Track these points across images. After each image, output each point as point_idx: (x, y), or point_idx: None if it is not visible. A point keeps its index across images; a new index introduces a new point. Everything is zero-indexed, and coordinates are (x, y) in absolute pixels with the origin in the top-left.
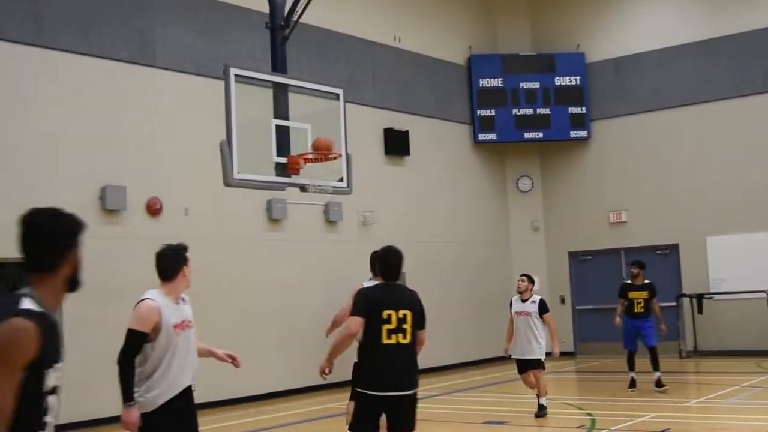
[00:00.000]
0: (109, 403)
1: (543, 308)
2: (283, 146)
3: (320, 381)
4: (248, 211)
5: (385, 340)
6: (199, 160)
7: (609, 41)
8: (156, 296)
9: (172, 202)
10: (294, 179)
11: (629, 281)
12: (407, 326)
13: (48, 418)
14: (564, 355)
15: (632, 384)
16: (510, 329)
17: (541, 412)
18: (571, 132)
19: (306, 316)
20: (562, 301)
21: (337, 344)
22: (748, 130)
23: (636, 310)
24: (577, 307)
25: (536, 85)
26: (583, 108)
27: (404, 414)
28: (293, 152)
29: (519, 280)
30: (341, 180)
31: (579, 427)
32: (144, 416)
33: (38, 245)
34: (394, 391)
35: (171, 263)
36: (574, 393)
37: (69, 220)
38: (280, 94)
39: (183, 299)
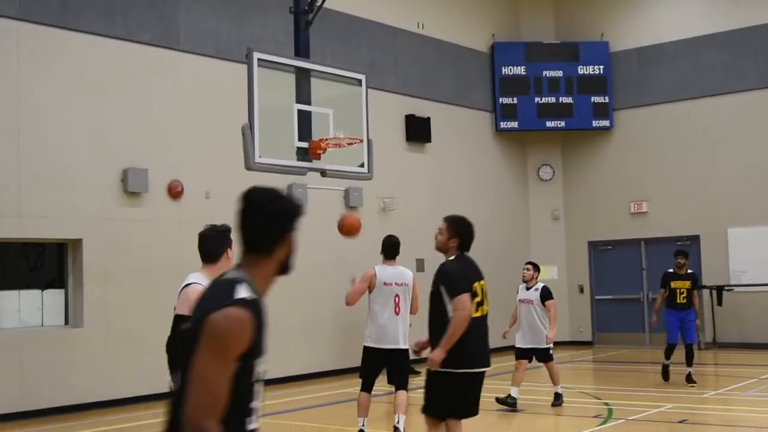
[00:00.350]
0: (133, 382)
1: (545, 295)
2: (304, 131)
3: (340, 365)
4: None
5: (474, 313)
6: (220, 144)
7: (633, 31)
8: (201, 280)
9: (194, 185)
10: (315, 164)
11: (671, 270)
12: (485, 297)
13: (255, 404)
14: (582, 344)
15: (665, 372)
16: (513, 315)
17: (557, 401)
18: (594, 121)
19: (326, 300)
20: (581, 290)
21: (455, 330)
22: None
23: (678, 301)
24: (596, 297)
25: (559, 73)
26: (606, 97)
27: (478, 392)
28: (315, 137)
29: (524, 269)
30: (362, 165)
31: (595, 417)
32: None
33: (258, 226)
34: (480, 367)
35: (215, 245)
36: (591, 382)
37: (289, 202)
38: (303, 78)
39: None
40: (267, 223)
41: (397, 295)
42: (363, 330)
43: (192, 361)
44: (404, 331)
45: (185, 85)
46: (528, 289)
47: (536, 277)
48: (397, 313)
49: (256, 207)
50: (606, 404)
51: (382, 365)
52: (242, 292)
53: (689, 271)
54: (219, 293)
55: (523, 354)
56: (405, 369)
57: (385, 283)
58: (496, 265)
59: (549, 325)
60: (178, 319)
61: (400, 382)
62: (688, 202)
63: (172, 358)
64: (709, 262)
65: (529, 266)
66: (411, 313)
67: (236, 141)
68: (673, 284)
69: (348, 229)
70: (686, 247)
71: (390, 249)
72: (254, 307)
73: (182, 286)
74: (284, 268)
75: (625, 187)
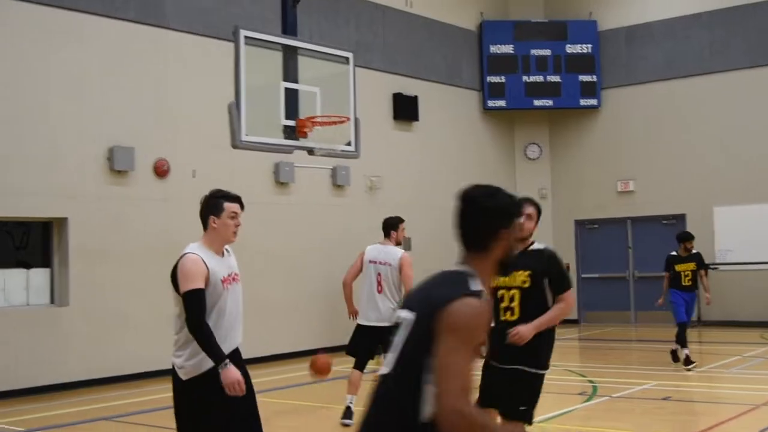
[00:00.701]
0: (119, 361)
1: None
2: (291, 109)
3: (325, 344)
4: (256, 173)
5: None
6: (207, 122)
7: (622, 9)
8: (195, 249)
9: (180, 163)
10: (302, 142)
11: (675, 253)
12: None
13: None
14: (568, 322)
15: (687, 361)
16: None
17: None
18: (581, 100)
19: (312, 278)
20: (567, 268)
21: (555, 319)
22: (760, 101)
23: (684, 284)
24: (583, 276)
25: (547, 52)
26: (594, 76)
27: None
28: (302, 115)
29: None
30: (349, 144)
31: (580, 394)
32: (191, 382)
33: (473, 223)
34: None
35: (202, 210)
36: (577, 360)
37: (507, 199)
38: (290, 57)
39: (227, 251)
40: (482, 219)
41: (378, 273)
42: (344, 311)
43: (434, 351)
44: (388, 309)
45: (172, 62)
46: None
47: None
48: (379, 291)
49: (471, 204)
50: (591, 382)
51: (368, 342)
52: (476, 285)
53: (693, 251)
54: (453, 283)
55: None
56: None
57: (370, 261)
58: None
59: None
60: (188, 296)
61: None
62: (674, 181)
63: (201, 340)
64: (695, 241)
65: None
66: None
67: (223, 119)
68: (677, 267)
69: (319, 370)
70: (672, 226)
71: (383, 227)
72: (485, 300)
73: (180, 256)
74: (502, 267)
75: (612, 166)
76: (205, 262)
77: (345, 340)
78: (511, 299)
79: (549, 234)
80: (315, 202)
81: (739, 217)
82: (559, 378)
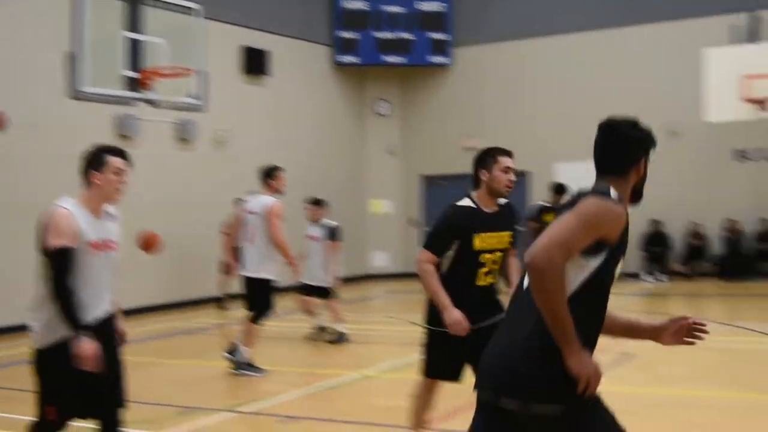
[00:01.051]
0: None
1: (331, 235)
2: (135, 61)
3: (173, 299)
4: (97, 127)
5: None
6: (46, 72)
7: None
8: (68, 205)
9: (18, 115)
10: (145, 94)
11: (548, 203)
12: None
13: (602, 312)
14: (414, 276)
15: None
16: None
17: (340, 338)
18: (433, 58)
19: (158, 232)
20: (416, 224)
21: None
22: (606, 60)
23: None
24: (429, 230)
25: (400, 9)
26: (446, 34)
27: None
28: (146, 67)
29: (307, 209)
30: (194, 96)
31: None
32: (44, 352)
33: (613, 150)
34: None
35: (83, 165)
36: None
37: (645, 132)
38: (135, 6)
39: (110, 214)
40: (625, 146)
41: (251, 224)
42: (187, 267)
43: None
44: (257, 258)
45: (9, 8)
46: (314, 226)
47: (321, 215)
48: (250, 242)
49: (613, 132)
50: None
51: (246, 292)
52: (615, 195)
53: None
54: (596, 191)
55: (309, 291)
56: (250, 297)
57: (248, 212)
58: (332, 199)
59: (331, 264)
60: (53, 253)
61: (247, 309)
62: (519, 138)
63: (61, 303)
64: (537, 197)
65: (310, 206)
66: (275, 244)
67: (63, 69)
68: (546, 218)
69: (148, 245)
70: (515, 183)
71: (259, 176)
72: (625, 209)
73: (49, 209)
74: (636, 196)
75: (460, 124)
76: (76, 221)
77: (192, 295)
78: (494, 262)
79: (397, 190)
80: (160, 156)
81: (578, 173)
82: (402, 329)
